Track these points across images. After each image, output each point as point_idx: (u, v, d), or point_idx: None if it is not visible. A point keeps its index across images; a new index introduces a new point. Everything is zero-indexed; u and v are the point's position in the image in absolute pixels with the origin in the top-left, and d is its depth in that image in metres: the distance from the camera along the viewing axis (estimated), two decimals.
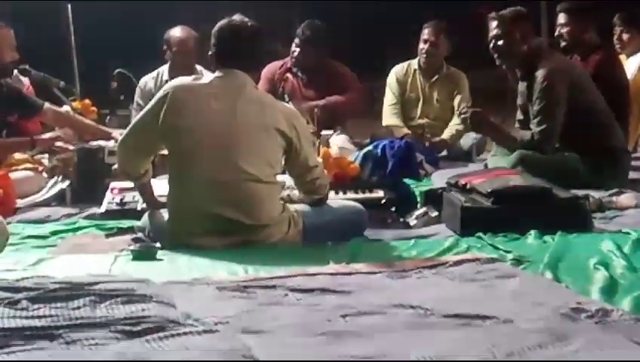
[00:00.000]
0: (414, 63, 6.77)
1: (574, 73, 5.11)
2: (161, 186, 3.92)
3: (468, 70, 6.82)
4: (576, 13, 5.73)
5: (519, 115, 5.27)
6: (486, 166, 5.52)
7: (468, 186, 4.17)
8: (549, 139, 4.99)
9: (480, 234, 3.80)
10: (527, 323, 2.43)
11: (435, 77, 6.71)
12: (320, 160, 4.23)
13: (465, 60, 6.89)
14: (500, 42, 5.06)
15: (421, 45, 6.67)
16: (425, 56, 6.65)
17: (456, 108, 6.60)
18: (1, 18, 5.32)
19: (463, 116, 5.21)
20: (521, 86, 5.18)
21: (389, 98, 6.77)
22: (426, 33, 6.64)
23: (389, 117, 6.71)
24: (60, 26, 7.27)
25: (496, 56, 5.12)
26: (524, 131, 5.10)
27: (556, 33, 5.82)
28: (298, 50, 6.39)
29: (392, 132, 6.49)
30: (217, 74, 3.73)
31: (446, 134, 6.52)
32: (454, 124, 6.53)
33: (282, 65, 6.52)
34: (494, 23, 5.09)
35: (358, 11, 8.35)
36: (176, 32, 6.30)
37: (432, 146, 6.33)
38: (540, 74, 4.94)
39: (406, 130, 6.51)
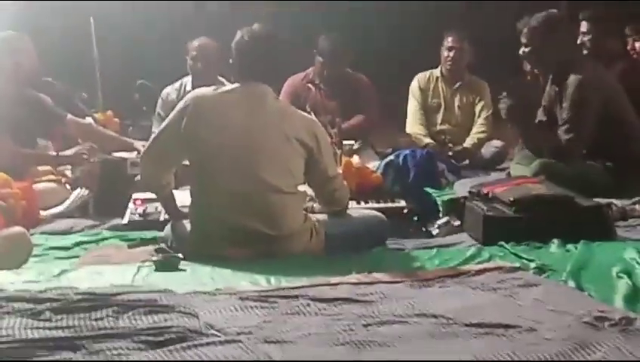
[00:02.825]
0: (436, 71, 6.78)
1: (608, 84, 5.06)
2: (183, 197, 3.93)
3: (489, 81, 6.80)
4: (599, 21, 5.70)
5: (541, 116, 5.23)
6: (509, 174, 5.51)
7: (490, 195, 4.16)
8: (576, 148, 4.97)
9: (502, 243, 3.79)
10: (550, 331, 2.42)
11: (458, 84, 6.71)
12: (340, 170, 4.23)
13: (486, 71, 6.86)
14: (530, 53, 5.04)
15: (445, 53, 6.66)
16: (450, 63, 6.63)
17: (477, 115, 6.62)
18: (23, 31, 5.34)
19: (500, 105, 5.13)
20: (551, 89, 5.14)
21: (413, 106, 6.77)
22: (450, 41, 6.63)
23: (414, 125, 6.70)
24: (82, 38, 7.30)
25: (528, 62, 5.10)
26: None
27: (578, 41, 5.79)
28: (320, 63, 6.39)
29: (414, 141, 6.48)
30: (238, 84, 3.73)
31: (468, 143, 6.52)
32: (476, 133, 6.55)
33: (304, 77, 6.52)
34: (524, 36, 5.03)
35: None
36: (197, 42, 6.31)
37: (454, 155, 6.32)
38: (572, 83, 4.90)
39: (428, 140, 6.51)
